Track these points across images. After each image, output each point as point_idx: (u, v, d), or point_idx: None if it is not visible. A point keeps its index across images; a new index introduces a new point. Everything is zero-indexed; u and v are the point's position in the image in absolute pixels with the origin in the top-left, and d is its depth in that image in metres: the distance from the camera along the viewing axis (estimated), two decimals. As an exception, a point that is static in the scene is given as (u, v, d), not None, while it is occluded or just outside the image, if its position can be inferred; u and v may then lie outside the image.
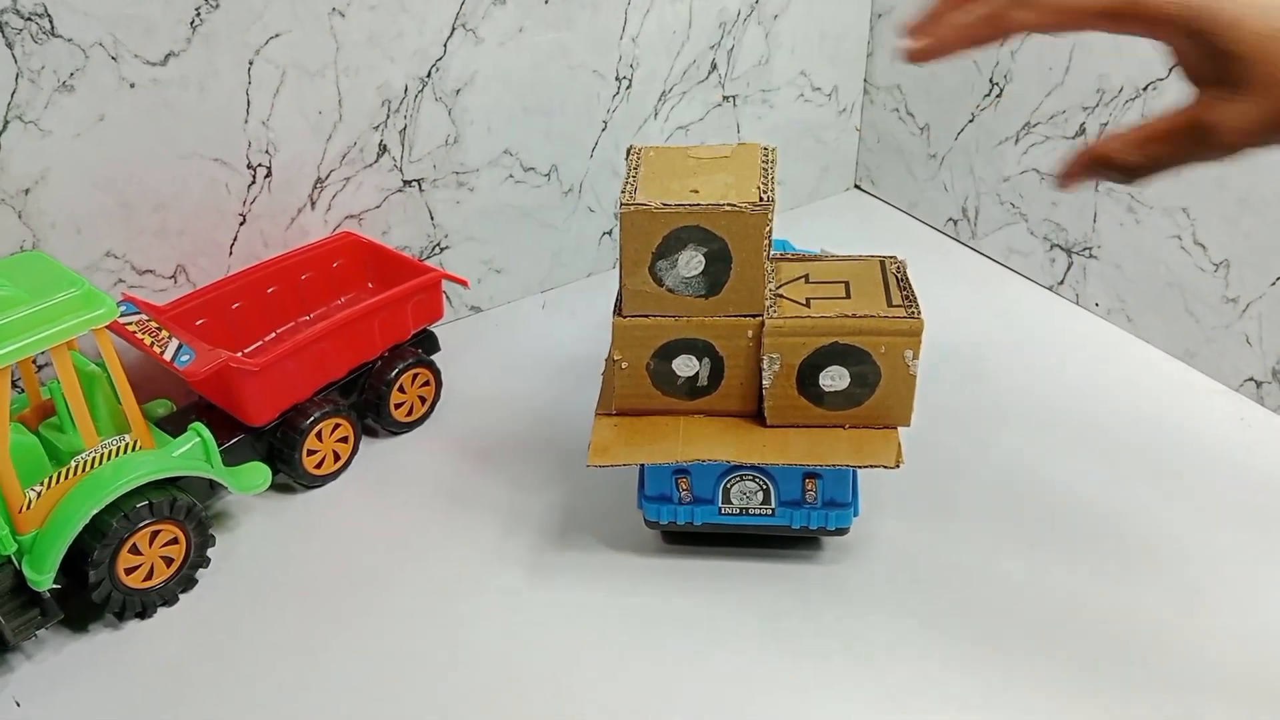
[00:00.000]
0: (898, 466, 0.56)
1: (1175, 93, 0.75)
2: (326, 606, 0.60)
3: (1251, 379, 0.76)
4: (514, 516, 0.66)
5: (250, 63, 0.70)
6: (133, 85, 0.66)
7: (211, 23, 0.67)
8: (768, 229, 0.54)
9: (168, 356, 0.61)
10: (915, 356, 0.57)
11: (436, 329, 0.76)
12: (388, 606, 0.60)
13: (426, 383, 0.74)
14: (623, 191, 0.55)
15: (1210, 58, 0.40)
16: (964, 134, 0.93)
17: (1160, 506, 0.66)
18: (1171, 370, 0.79)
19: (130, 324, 0.64)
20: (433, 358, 0.75)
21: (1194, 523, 0.65)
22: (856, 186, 1.07)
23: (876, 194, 1.05)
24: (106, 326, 0.56)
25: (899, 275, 0.60)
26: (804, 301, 0.57)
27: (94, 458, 0.58)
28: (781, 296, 0.58)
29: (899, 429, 0.59)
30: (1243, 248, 0.74)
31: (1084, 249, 0.85)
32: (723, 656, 0.57)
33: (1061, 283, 0.88)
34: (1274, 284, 0.72)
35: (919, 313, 0.56)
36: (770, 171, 0.57)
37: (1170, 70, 0.74)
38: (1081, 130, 0.82)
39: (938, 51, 0.45)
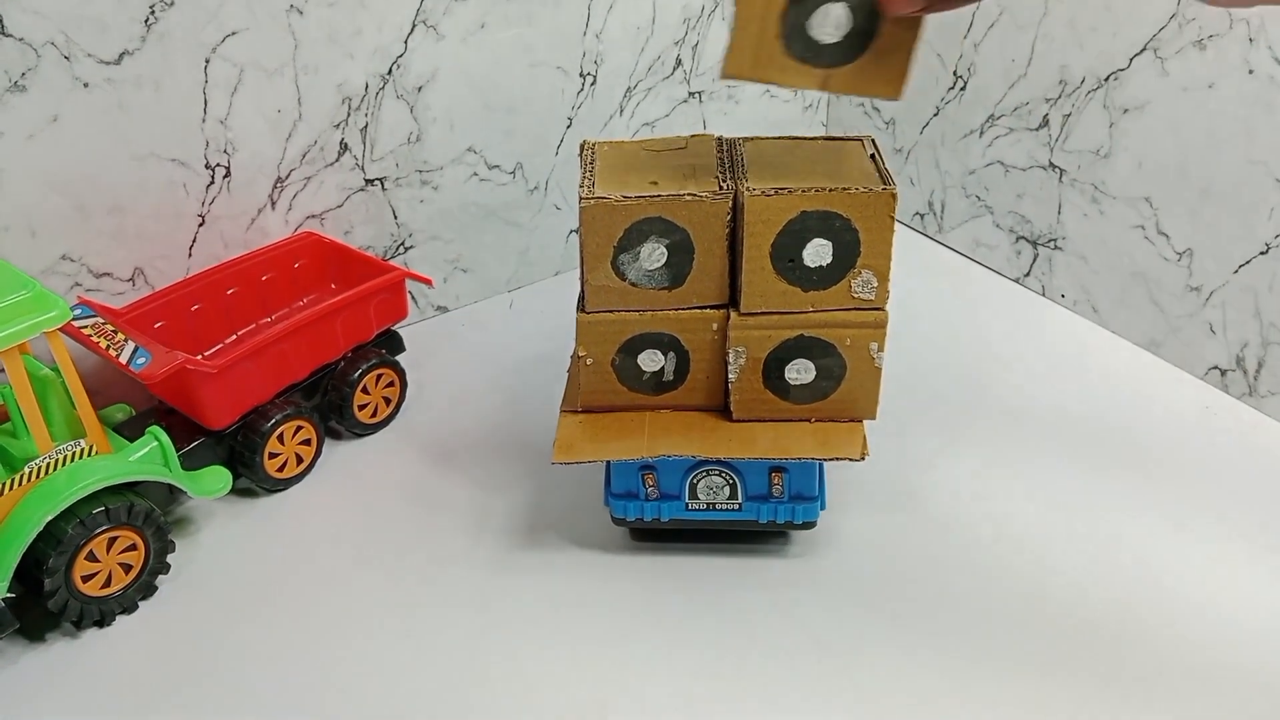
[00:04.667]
0: (863, 459, 0.56)
1: (1139, 83, 0.75)
2: (290, 611, 0.59)
3: (1216, 367, 0.76)
4: (481, 516, 0.66)
5: (207, 61, 0.69)
6: (86, 85, 0.65)
7: (166, 21, 0.66)
8: (728, 217, 0.54)
9: (123, 359, 0.60)
10: (881, 349, 0.57)
11: (402, 329, 0.76)
12: (353, 610, 0.59)
13: (391, 383, 0.73)
14: (581, 186, 0.54)
15: None
16: (929, 128, 0.93)
17: (1127, 495, 0.66)
18: (1137, 360, 0.80)
19: (85, 327, 0.63)
20: (398, 358, 0.74)
21: (1161, 511, 0.65)
22: (824, 182, 1.07)
23: (844, 189, 1.05)
24: (59, 329, 0.55)
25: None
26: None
27: (48, 463, 0.56)
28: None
29: (865, 422, 0.59)
30: (1205, 237, 0.74)
31: (1049, 240, 0.86)
32: (691, 653, 0.56)
33: (1028, 275, 0.89)
34: (1236, 272, 0.73)
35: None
36: (725, 160, 0.56)
37: (1131, 60, 0.75)
38: (1044, 122, 0.83)
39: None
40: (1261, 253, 0.71)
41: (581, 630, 0.58)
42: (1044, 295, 0.88)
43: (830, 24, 0.47)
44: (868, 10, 0.47)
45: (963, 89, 0.89)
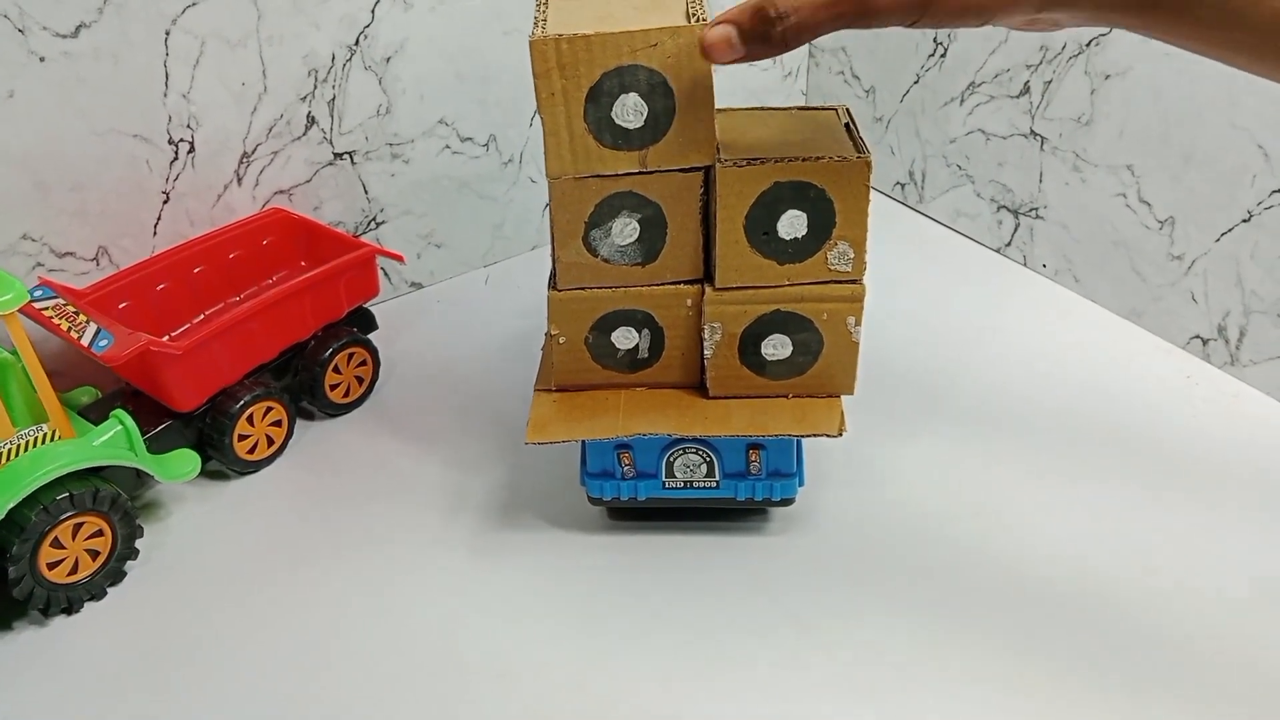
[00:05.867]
0: (840, 435, 0.55)
1: (1120, 48, 0.74)
2: (262, 596, 0.58)
3: (1198, 336, 0.75)
4: (456, 497, 0.65)
5: (167, 33, 0.67)
6: (42, 59, 0.63)
7: (124, -9, 0.64)
8: (701, 189, 0.53)
9: (85, 341, 0.59)
10: (858, 323, 0.56)
11: (375, 307, 0.74)
12: (326, 593, 0.59)
13: (364, 362, 0.72)
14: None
15: None
16: (909, 96, 0.92)
17: (1108, 466, 0.66)
18: (1119, 329, 0.79)
19: (45, 309, 0.61)
20: (370, 336, 0.73)
21: (1142, 481, 0.65)
22: (804, 151, 1.06)
23: (824, 159, 1.03)
24: (18, 311, 0.54)
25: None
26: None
27: (10, 449, 0.55)
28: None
29: (843, 397, 0.58)
30: (1187, 204, 0.73)
31: (1030, 209, 0.85)
32: (669, 632, 0.56)
33: (1009, 244, 0.88)
34: (1218, 240, 0.72)
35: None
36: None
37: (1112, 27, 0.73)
38: (1025, 89, 0.81)
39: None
40: (1244, 220, 0.70)
41: (559, 610, 0.57)
42: (1025, 265, 0.87)
43: (630, 111, 0.50)
44: (661, 91, 0.49)
45: (943, 56, 0.87)
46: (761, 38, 0.45)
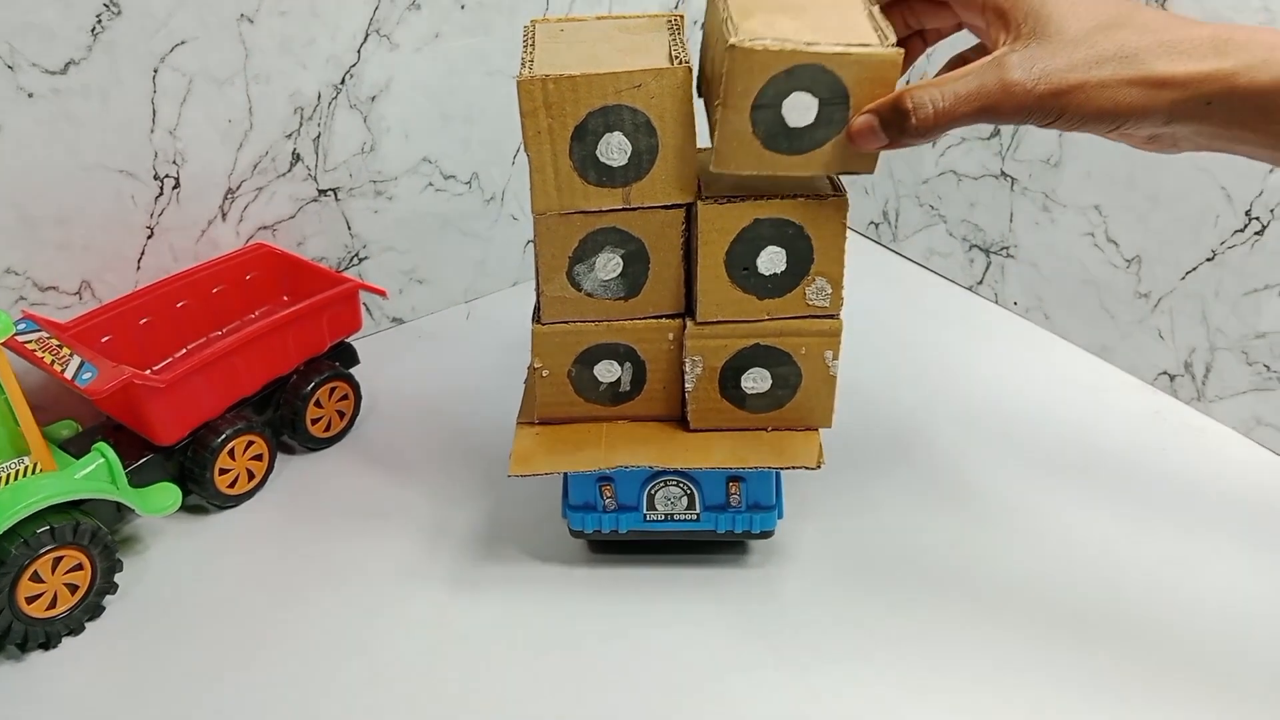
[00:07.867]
0: (819, 467, 0.56)
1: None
2: (243, 631, 0.58)
3: (1165, 372, 0.77)
4: (437, 531, 0.65)
5: (155, 71, 0.68)
6: (31, 95, 0.64)
7: (113, 30, 0.65)
8: (683, 225, 0.54)
9: (69, 375, 0.59)
10: (835, 357, 0.57)
11: (357, 341, 0.75)
12: (307, 628, 0.58)
13: (345, 396, 0.72)
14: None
15: None
16: (883, 137, 0.94)
17: (1080, 499, 0.67)
18: (1088, 366, 0.81)
19: (29, 342, 0.61)
20: (351, 371, 0.73)
21: (1113, 513, 0.66)
22: (780, 191, 1.07)
23: (800, 198, 1.05)
24: (1, 344, 0.54)
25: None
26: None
27: (-10, 482, 0.55)
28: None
29: (821, 430, 0.59)
30: (1153, 243, 0.75)
31: (1001, 249, 0.87)
32: (650, 665, 0.56)
33: (981, 282, 0.90)
34: (1184, 279, 0.74)
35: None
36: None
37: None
38: (996, 131, 0.84)
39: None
40: (1208, 259, 0.72)
41: (539, 645, 0.57)
42: (997, 303, 0.89)
43: (614, 150, 0.51)
44: (644, 130, 0.51)
45: (916, 99, 0.89)
46: (899, 128, 0.47)
